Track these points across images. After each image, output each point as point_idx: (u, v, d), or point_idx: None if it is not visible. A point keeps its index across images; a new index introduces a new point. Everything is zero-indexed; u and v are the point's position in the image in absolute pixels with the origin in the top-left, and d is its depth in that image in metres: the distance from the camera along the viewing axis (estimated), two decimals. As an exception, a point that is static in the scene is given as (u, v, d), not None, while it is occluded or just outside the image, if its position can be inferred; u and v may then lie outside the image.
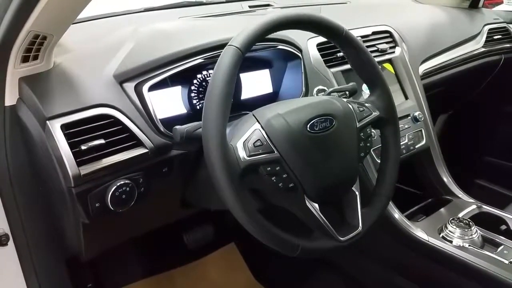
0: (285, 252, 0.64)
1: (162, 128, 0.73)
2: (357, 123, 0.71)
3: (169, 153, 0.75)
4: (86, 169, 0.65)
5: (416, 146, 1.12)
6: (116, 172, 0.68)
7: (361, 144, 0.71)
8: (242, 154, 0.60)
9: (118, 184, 0.68)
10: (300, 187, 0.64)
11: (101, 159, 0.67)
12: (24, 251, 0.77)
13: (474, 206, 1.05)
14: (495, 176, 1.69)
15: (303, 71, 0.92)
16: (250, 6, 1.18)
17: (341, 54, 1.02)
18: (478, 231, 0.92)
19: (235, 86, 0.61)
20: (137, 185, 0.70)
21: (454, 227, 0.92)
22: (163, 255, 1.31)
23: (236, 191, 0.58)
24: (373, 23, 1.19)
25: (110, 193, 0.67)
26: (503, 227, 0.99)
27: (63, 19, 0.64)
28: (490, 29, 1.56)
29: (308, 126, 0.64)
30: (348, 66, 1.03)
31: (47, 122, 0.64)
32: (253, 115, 0.66)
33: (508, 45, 1.60)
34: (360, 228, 0.69)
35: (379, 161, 0.87)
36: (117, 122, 0.69)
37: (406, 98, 1.17)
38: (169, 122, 0.74)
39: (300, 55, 0.93)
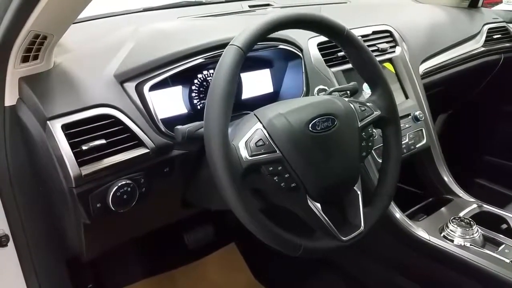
0: (287, 252, 0.63)
1: (163, 128, 0.73)
2: (359, 123, 0.71)
3: (170, 153, 0.75)
4: (87, 170, 0.65)
5: (417, 146, 1.12)
6: (117, 172, 0.68)
7: (362, 144, 0.71)
8: (244, 153, 0.60)
9: (119, 184, 0.67)
10: (302, 187, 0.64)
11: (102, 159, 0.66)
12: (24, 251, 0.77)
13: (474, 205, 1.05)
14: (495, 175, 1.69)
15: (303, 70, 0.92)
16: (250, 6, 1.17)
17: (341, 53, 1.02)
18: (479, 230, 0.92)
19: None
20: (138, 185, 0.70)
21: (455, 226, 0.92)
22: (163, 255, 1.30)
23: (238, 190, 0.57)
24: (373, 22, 1.19)
25: (111, 193, 0.67)
26: (504, 226, 0.99)
27: (63, 19, 0.63)
28: (489, 29, 1.56)
29: (310, 125, 0.64)
30: (348, 66, 1.03)
31: (48, 122, 0.64)
32: (255, 114, 0.66)
33: (507, 45, 1.61)
34: (362, 227, 0.69)
35: (380, 161, 0.87)
36: (118, 122, 0.69)
37: (407, 97, 1.17)
38: (170, 122, 0.73)
39: (300, 54, 0.93)
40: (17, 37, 0.61)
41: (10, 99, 0.68)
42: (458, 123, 1.82)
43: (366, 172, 0.97)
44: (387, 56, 1.16)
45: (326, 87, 0.92)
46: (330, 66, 1.01)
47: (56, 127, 0.64)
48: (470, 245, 0.89)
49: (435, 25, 1.41)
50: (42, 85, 0.68)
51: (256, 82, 0.93)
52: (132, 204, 0.70)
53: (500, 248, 0.88)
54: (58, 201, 0.70)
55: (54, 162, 0.65)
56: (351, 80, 0.91)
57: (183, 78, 0.81)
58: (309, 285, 1.26)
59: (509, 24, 1.66)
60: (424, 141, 1.14)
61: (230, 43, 0.61)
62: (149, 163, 0.72)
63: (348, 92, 0.87)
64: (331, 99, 0.70)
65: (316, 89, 0.92)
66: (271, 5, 1.21)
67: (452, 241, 0.90)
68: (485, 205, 1.05)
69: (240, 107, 0.82)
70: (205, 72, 0.86)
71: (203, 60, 0.79)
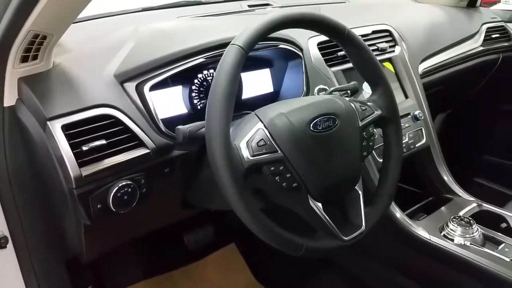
0: (289, 252, 0.63)
1: (163, 128, 0.73)
2: (360, 122, 0.71)
3: (171, 153, 0.74)
4: (87, 170, 0.64)
5: (417, 145, 1.12)
6: (118, 173, 0.68)
7: (363, 143, 0.71)
8: (245, 153, 0.60)
9: (120, 185, 0.67)
10: (303, 187, 0.64)
11: (103, 160, 0.66)
12: (24, 253, 0.76)
13: (474, 205, 1.05)
14: (494, 174, 1.70)
15: (304, 70, 0.92)
16: (249, 6, 1.17)
17: (341, 53, 1.02)
18: (479, 229, 0.92)
19: None
20: (139, 186, 0.70)
21: (455, 225, 0.92)
22: (163, 256, 1.30)
23: (240, 191, 0.57)
24: (372, 22, 1.19)
25: (112, 194, 0.67)
26: (504, 225, 0.99)
27: (63, 18, 0.63)
28: (488, 28, 1.56)
29: (311, 125, 0.64)
30: (348, 65, 1.03)
31: (48, 122, 0.64)
32: (256, 114, 0.65)
33: (506, 44, 1.61)
34: (363, 227, 0.69)
35: (380, 160, 0.87)
36: (118, 122, 0.69)
37: (406, 97, 1.17)
38: (171, 122, 0.73)
39: (301, 54, 0.93)
40: (16, 37, 0.60)
41: (9, 99, 0.67)
42: (457, 122, 1.83)
43: (367, 172, 0.97)
44: (387, 55, 1.16)
45: (326, 87, 0.92)
46: (330, 66, 1.01)
47: (56, 127, 0.64)
48: (470, 244, 0.89)
49: (434, 24, 1.42)
50: (42, 85, 0.67)
51: (256, 82, 0.93)
52: (133, 205, 0.69)
53: (500, 247, 0.88)
54: (58, 202, 0.70)
55: (54, 162, 0.64)
56: (351, 80, 0.91)
57: (184, 78, 0.81)
58: (310, 285, 1.26)
59: (507, 24, 1.66)
60: (423, 141, 1.14)
61: (231, 43, 0.61)
62: (149, 164, 0.71)
63: (349, 91, 0.87)
64: (332, 98, 0.70)
65: (316, 88, 0.92)
66: (270, 4, 1.21)
67: (452, 240, 0.91)
68: (484, 204, 1.05)
69: (240, 107, 0.82)
70: (205, 72, 0.86)
71: (204, 60, 0.78)
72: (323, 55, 1.00)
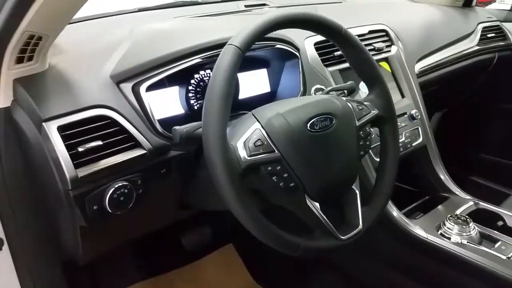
0: (287, 251, 0.63)
1: (160, 129, 0.73)
2: (357, 122, 0.71)
3: (168, 154, 0.74)
4: (83, 171, 0.64)
5: (413, 144, 1.12)
6: (114, 174, 0.67)
7: (360, 143, 0.71)
8: (242, 154, 0.60)
9: (116, 186, 0.67)
10: (301, 187, 0.64)
11: (99, 161, 0.66)
12: (19, 255, 0.76)
13: (471, 203, 1.06)
14: (490, 173, 1.70)
15: (300, 70, 0.92)
16: (246, 6, 1.17)
17: (338, 53, 1.02)
18: (476, 228, 0.92)
19: None
20: (136, 187, 0.69)
21: (452, 224, 0.93)
22: (161, 257, 1.30)
23: (237, 191, 0.57)
24: (369, 22, 1.19)
25: (108, 195, 0.66)
26: (500, 223, 1.00)
27: (58, 19, 0.62)
28: (484, 28, 1.57)
29: (308, 125, 0.64)
30: (345, 65, 1.03)
31: (43, 124, 0.63)
32: (253, 114, 0.65)
33: (501, 43, 1.62)
34: (360, 226, 0.69)
35: (377, 160, 0.87)
36: (115, 123, 0.68)
37: (403, 96, 1.17)
38: (167, 123, 0.73)
39: (297, 54, 0.93)
40: (11, 38, 0.60)
41: (4, 100, 0.67)
42: (454, 121, 1.83)
43: (364, 171, 0.97)
44: (383, 55, 1.16)
45: (323, 87, 0.92)
46: (327, 66, 1.01)
47: (51, 128, 0.63)
48: (467, 242, 0.89)
49: (430, 24, 1.42)
50: (37, 87, 0.67)
51: (253, 82, 0.93)
52: (129, 206, 0.69)
53: (497, 245, 0.89)
54: (54, 204, 0.69)
55: (50, 164, 0.64)
56: (348, 80, 0.91)
57: (180, 79, 0.81)
58: (308, 285, 1.26)
59: (502, 23, 1.67)
60: (420, 140, 1.14)
61: (228, 43, 0.61)
62: (146, 165, 0.71)
63: (346, 91, 0.87)
64: (329, 98, 0.70)
65: (313, 88, 0.92)
66: (267, 5, 1.21)
67: (449, 238, 0.91)
68: (481, 203, 1.06)
69: (237, 107, 0.82)
70: (202, 72, 0.85)
71: (200, 60, 0.78)
72: (320, 55, 1.00)
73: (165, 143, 0.73)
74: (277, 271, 1.33)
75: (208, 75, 0.86)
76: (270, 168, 0.61)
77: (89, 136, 0.65)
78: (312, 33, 0.96)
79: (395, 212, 0.98)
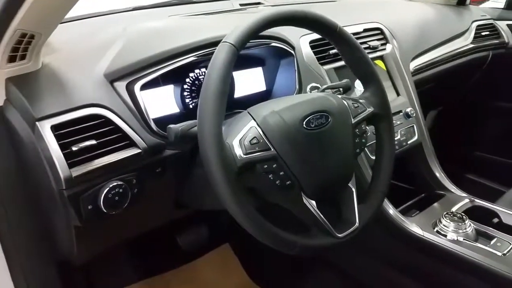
0: (283, 250, 0.63)
1: (155, 128, 0.72)
2: (352, 119, 0.71)
3: (163, 153, 0.74)
4: (77, 171, 0.63)
5: (409, 142, 1.13)
6: (109, 173, 0.67)
7: (356, 140, 0.71)
8: (238, 152, 0.59)
9: (111, 185, 0.66)
10: (297, 184, 0.63)
11: (93, 160, 0.65)
12: (13, 255, 0.75)
13: (466, 200, 1.06)
14: (485, 170, 1.71)
15: (296, 68, 0.92)
16: (240, 4, 1.17)
17: (333, 51, 1.03)
18: (472, 225, 0.92)
19: None
20: (130, 186, 0.69)
21: (448, 221, 0.93)
22: (156, 257, 1.29)
23: (233, 189, 0.57)
24: (363, 20, 1.20)
25: (103, 195, 0.66)
26: (495, 220, 1.00)
27: (51, 17, 0.62)
28: (478, 26, 1.58)
29: (304, 122, 0.64)
30: (340, 63, 1.04)
31: (37, 123, 0.63)
32: (249, 112, 0.65)
33: (495, 41, 1.63)
34: (357, 224, 0.69)
35: (373, 157, 0.87)
36: (109, 122, 0.68)
37: (398, 94, 1.18)
38: (162, 122, 0.72)
39: (293, 52, 0.93)
40: (3, 36, 0.59)
41: (-3, 100, 0.66)
42: (449, 119, 1.84)
43: (360, 169, 0.97)
44: (378, 53, 1.17)
45: (318, 85, 0.92)
46: (322, 64, 1.01)
47: (45, 128, 0.63)
48: (463, 239, 0.89)
49: (425, 22, 1.43)
50: (30, 86, 0.66)
51: (249, 81, 0.93)
52: (124, 206, 0.69)
53: (492, 241, 0.89)
54: (48, 204, 0.69)
55: (43, 163, 0.63)
56: (343, 78, 0.91)
57: (175, 77, 0.80)
58: (305, 284, 1.26)
59: (496, 21, 1.68)
60: (415, 138, 1.15)
61: (222, 40, 0.60)
62: (141, 164, 0.71)
63: (341, 89, 0.87)
64: (324, 96, 0.70)
65: (309, 86, 0.92)
66: (262, 3, 1.21)
67: (445, 236, 0.91)
68: (476, 200, 1.06)
69: (233, 106, 0.81)
70: (196, 71, 0.85)
71: (195, 58, 0.78)
72: (315, 53, 1.00)
73: (160, 142, 0.72)
74: (274, 270, 1.33)
75: (203, 73, 0.86)
76: (266, 166, 0.61)
77: (83, 135, 0.65)
78: (308, 31, 0.96)
79: (391, 210, 0.99)
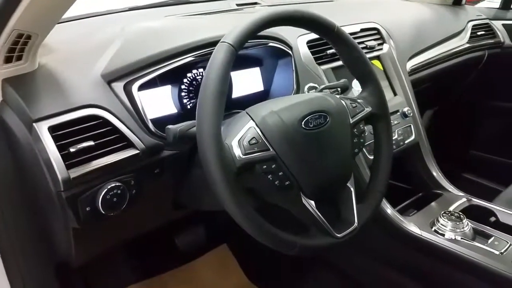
0: (283, 250, 0.63)
1: (153, 129, 0.72)
2: (350, 119, 0.71)
3: (161, 153, 0.73)
4: (75, 172, 0.63)
5: (406, 142, 1.13)
6: (107, 175, 0.66)
7: (354, 140, 0.71)
8: (237, 152, 0.59)
9: (109, 187, 0.66)
10: (296, 185, 0.63)
11: (91, 161, 0.65)
12: (11, 258, 0.74)
13: (464, 199, 1.06)
14: (482, 169, 1.72)
15: (294, 68, 0.92)
16: (237, 4, 1.17)
17: (331, 51, 1.03)
18: (469, 224, 0.93)
19: None
20: (129, 188, 0.69)
21: (446, 220, 0.93)
22: (155, 258, 1.29)
23: (232, 190, 0.57)
24: (360, 20, 1.20)
25: (101, 196, 0.65)
26: (493, 219, 1.01)
27: (48, 17, 0.61)
28: (473, 25, 1.59)
29: (302, 123, 0.64)
30: (338, 63, 1.04)
31: (34, 124, 0.62)
32: (247, 113, 0.65)
33: (491, 41, 1.64)
34: (356, 223, 0.69)
35: (371, 157, 0.87)
36: (107, 123, 0.68)
37: (395, 94, 1.18)
38: (160, 122, 0.72)
39: (290, 52, 0.93)
40: (-1, 37, 0.59)
41: (-7, 101, 0.66)
42: (446, 118, 1.85)
43: (358, 169, 0.97)
44: (375, 53, 1.17)
45: (316, 85, 0.92)
46: (320, 64, 1.01)
47: (42, 129, 0.62)
48: (461, 238, 0.90)
49: (421, 22, 1.43)
50: (27, 86, 0.66)
51: (247, 81, 0.93)
52: (123, 207, 0.68)
53: (490, 240, 0.89)
54: (46, 205, 0.68)
55: (41, 165, 0.63)
56: (341, 78, 0.92)
57: (173, 77, 0.80)
58: (303, 284, 1.26)
59: (492, 21, 1.69)
60: (412, 137, 1.15)
61: (221, 41, 0.60)
62: (139, 165, 0.70)
63: (339, 89, 0.87)
64: (323, 96, 0.70)
65: (307, 86, 0.92)
66: (259, 3, 1.21)
67: (443, 235, 0.91)
68: (474, 199, 1.06)
69: (231, 106, 0.81)
70: (194, 71, 0.85)
71: (193, 58, 0.78)
72: (312, 53, 1.00)
73: (158, 142, 0.72)
74: (272, 270, 1.33)
75: (201, 73, 0.86)
76: (265, 166, 0.61)
77: (80, 137, 0.64)
78: (305, 31, 0.96)
79: (389, 210, 0.99)
